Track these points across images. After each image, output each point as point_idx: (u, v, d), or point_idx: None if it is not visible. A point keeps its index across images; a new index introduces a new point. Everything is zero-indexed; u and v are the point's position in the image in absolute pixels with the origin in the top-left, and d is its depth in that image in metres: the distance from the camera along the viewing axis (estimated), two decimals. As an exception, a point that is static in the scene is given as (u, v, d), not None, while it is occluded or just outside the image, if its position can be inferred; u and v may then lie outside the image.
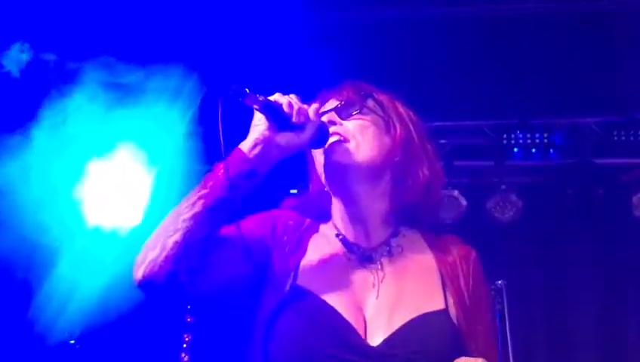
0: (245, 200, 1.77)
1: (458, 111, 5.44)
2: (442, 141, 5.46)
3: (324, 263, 1.80)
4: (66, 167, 4.46)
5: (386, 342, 1.69)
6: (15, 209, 4.08)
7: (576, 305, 5.61)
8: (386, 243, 1.83)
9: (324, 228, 1.88)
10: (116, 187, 4.82)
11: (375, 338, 1.69)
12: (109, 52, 4.28)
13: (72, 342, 4.65)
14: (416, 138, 1.86)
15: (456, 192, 5.41)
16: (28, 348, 4.42)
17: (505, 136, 5.40)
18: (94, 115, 4.33)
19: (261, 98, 1.72)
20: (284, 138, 1.74)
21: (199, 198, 1.70)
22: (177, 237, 1.68)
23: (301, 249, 1.83)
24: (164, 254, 1.67)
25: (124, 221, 4.82)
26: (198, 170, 4.64)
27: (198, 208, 1.69)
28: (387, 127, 1.85)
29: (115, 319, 4.52)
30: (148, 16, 4.69)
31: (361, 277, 1.78)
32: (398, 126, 1.85)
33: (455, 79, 5.12)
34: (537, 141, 5.38)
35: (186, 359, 5.02)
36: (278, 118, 1.74)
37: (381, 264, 1.80)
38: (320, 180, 1.88)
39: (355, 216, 1.83)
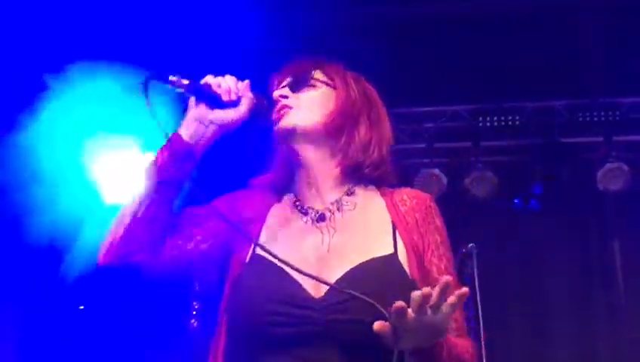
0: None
1: (439, 98, 5.47)
2: (427, 125, 5.58)
3: (281, 229, 1.79)
4: (86, 154, 4.66)
5: (329, 292, 1.64)
6: (47, 190, 4.24)
7: (549, 274, 5.63)
8: (338, 201, 1.81)
9: (286, 198, 1.88)
10: (128, 171, 4.89)
11: (321, 290, 1.65)
12: (119, 55, 4.48)
13: (81, 307, 4.74)
14: (358, 102, 1.86)
15: (437, 170, 5.45)
16: (57, 303, 4.60)
17: (480, 119, 5.44)
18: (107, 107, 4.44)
19: (186, 81, 1.74)
20: (219, 115, 1.76)
21: (146, 181, 1.74)
22: (127, 219, 1.72)
23: (260, 219, 1.83)
24: (116, 237, 1.72)
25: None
26: None
27: (144, 190, 1.73)
28: (335, 95, 1.86)
29: (130, 284, 4.69)
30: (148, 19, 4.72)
31: (314, 236, 1.76)
32: (341, 93, 1.85)
33: (437, 69, 5.14)
34: (510, 123, 5.40)
35: (195, 324, 5.17)
36: (208, 98, 1.76)
37: (333, 221, 1.77)
38: (283, 155, 1.90)
39: (308, 180, 1.83)
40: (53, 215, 4.38)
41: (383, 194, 1.86)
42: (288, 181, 1.90)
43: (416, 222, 1.78)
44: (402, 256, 1.72)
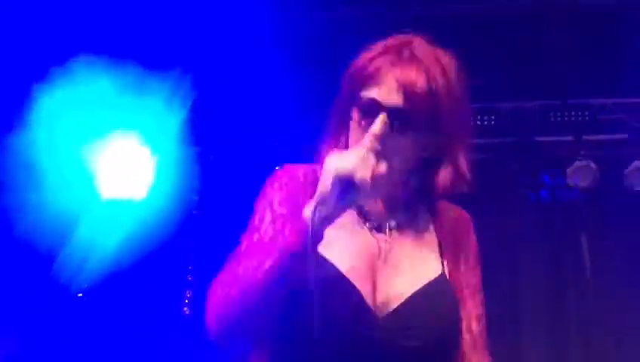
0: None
1: None
2: None
3: (341, 230, 1.59)
4: (84, 149, 4.75)
5: (393, 313, 1.55)
6: (45, 185, 4.36)
7: (521, 263, 5.69)
8: (394, 212, 1.66)
9: None
10: (125, 167, 5.01)
11: (383, 311, 1.55)
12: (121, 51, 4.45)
13: (80, 294, 4.74)
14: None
15: None
16: (53, 296, 4.61)
17: None
18: (108, 104, 4.57)
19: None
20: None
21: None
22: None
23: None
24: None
25: (131, 194, 5.01)
26: (189, 151, 4.98)
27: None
28: None
29: (125, 275, 4.67)
30: (150, 19, 4.72)
31: (372, 245, 1.62)
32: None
33: None
34: (486, 123, 5.45)
35: (187, 312, 5.25)
36: None
37: (390, 233, 1.64)
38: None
39: None
40: (50, 210, 4.49)
41: (429, 209, 1.73)
42: None
43: (457, 241, 1.70)
44: (448, 275, 1.64)
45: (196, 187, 5.15)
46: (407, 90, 1.54)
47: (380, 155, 1.50)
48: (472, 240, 1.75)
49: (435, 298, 1.59)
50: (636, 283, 5.52)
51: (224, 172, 5.39)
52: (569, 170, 5.40)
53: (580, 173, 5.39)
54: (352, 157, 1.46)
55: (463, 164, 1.66)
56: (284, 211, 1.62)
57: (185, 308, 5.14)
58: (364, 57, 1.63)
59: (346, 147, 1.61)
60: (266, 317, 1.52)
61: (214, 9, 4.72)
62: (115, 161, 4.96)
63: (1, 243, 4.78)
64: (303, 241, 1.41)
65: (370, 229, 1.65)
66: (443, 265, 1.65)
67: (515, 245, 5.75)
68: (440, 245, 1.67)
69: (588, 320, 5.54)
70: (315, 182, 1.53)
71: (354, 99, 1.60)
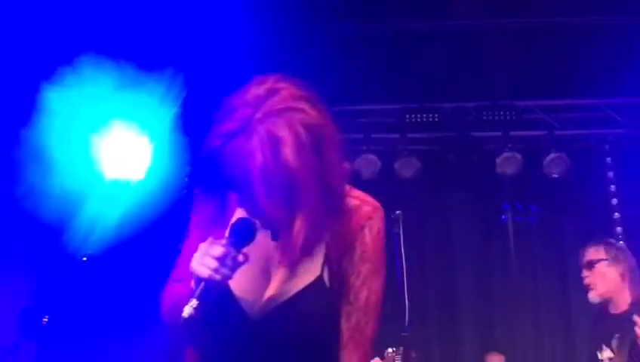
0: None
1: (374, 98, 5.66)
2: (365, 119, 5.72)
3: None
4: (90, 137, 4.83)
5: (269, 317, 1.48)
6: (56, 168, 4.41)
7: (457, 244, 5.84)
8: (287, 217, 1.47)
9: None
10: (125, 152, 5.05)
11: (260, 315, 1.49)
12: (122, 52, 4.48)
13: (84, 259, 4.70)
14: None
15: (372, 156, 5.62)
16: (64, 262, 4.67)
17: (407, 115, 5.63)
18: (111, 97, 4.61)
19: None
20: None
21: None
22: None
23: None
24: None
25: (131, 176, 5.05)
26: (182, 140, 5.03)
27: None
28: None
29: (126, 244, 4.66)
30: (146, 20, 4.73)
31: (268, 254, 1.52)
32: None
33: (374, 76, 5.33)
34: (430, 119, 5.60)
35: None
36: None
37: (280, 238, 1.50)
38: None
39: None
40: (61, 188, 4.50)
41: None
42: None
43: (344, 236, 1.52)
44: (326, 277, 1.51)
45: (186, 170, 5.16)
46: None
47: None
48: (365, 237, 1.53)
49: (306, 301, 1.48)
50: (551, 253, 5.72)
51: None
52: (498, 160, 5.59)
53: (507, 163, 5.57)
54: (208, 262, 1.39)
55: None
56: (202, 235, 1.50)
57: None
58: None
59: None
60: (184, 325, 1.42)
61: (204, 14, 4.71)
62: (116, 146, 5.00)
63: (18, 218, 4.78)
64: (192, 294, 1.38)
65: (269, 238, 1.52)
66: (324, 267, 1.51)
67: (451, 221, 5.90)
68: (328, 244, 1.52)
69: (511, 291, 5.68)
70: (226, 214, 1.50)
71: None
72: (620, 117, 5.70)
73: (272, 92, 1.41)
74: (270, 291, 1.50)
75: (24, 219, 4.73)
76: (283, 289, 1.49)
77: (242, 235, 1.44)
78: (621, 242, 3.57)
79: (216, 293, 1.42)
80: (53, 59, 4.63)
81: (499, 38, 5.29)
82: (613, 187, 5.70)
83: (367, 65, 5.26)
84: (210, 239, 1.44)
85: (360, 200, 1.56)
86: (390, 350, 3.38)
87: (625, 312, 3.18)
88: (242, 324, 1.48)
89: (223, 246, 1.41)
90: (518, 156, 5.58)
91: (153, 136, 4.95)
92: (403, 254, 3.29)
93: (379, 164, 5.63)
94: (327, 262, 1.52)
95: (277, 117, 1.38)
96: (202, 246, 1.42)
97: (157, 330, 1.91)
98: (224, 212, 1.56)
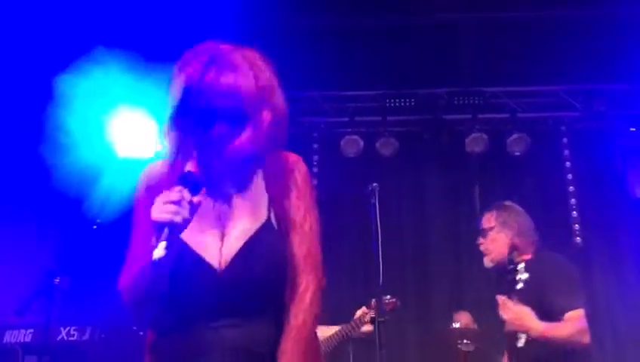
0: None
1: (358, 85, 5.67)
2: (350, 104, 5.75)
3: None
4: (106, 121, 4.87)
5: (231, 264, 1.50)
6: (76, 147, 4.47)
7: (431, 213, 5.87)
8: (229, 177, 1.56)
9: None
10: (136, 133, 5.09)
11: (224, 266, 1.50)
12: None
13: (94, 226, 4.64)
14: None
15: (356, 137, 5.66)
16: (82, 229, 4.56)
17: (387, 100, 5.64)
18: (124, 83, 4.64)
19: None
20: None
21: None
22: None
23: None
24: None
25: (141, 154, 5.11)
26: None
27: None
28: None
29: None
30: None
31: (215, 213, 1.55)
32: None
33: (357, 66, 5.36)
34: (407, 103, 5.63)
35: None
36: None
37: (228, 196, 1.57)
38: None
39: None
40: (80, 165, 4.58)
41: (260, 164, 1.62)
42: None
43: (287, 187, 1.59)
44: (274, 221, 1.56)
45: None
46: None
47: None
48: (295, 179, 1.61)
49: (261, 242, 1.52)
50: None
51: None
52: (467, 140, 5.63)
53: (475, 142, 5.61)
54: (168, 208, 1.38)
55: (265, 122, 1.52)
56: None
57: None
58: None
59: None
60: (152, 294, 1.47)
61: (206, 9, 4.70)
62: (129, 128, 5.03)
63: (42, 191, 4.83)
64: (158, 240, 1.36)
65: (213, 198, 1.54)
66: (269, 210, 1.56)
67: (426, 193, 5.93)
68: (269, 192, 1.58)
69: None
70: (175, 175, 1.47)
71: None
72: (575, 101, 5.73)
73: (236, 46, 1.56)
74: (227, 243, 1.52)
75: (48, 191, 4.74)
76: (237, 237, 1.52)
77: (193, 183, 1.44)
78: (511, 203, 3.28)
79: (180, 254, 1.44)
80: (71, 50, 4.62)
81: (469, 31, 5.32)
82: (568, 164, 5.73)
83: (353, 56, 5.30)
84: (164, 191, 1.43)
85: (284, 153, 1.65)
86: (374, 300, 3.41)
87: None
88: (210, 276, 1.49)
89: (178, 191, 1.42)
90: (485, 136, 5.62)
91: (160, 120, 4.94)
92: (378, 222, 3.28)
93: (361, 143, 5.66)
94: (271, 204, 1.58)
95: (245, 51, 1.54)
96: (158, 198, 1.42)
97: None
98: (172, 177, 1.52)
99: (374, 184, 3.37)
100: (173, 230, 1.39)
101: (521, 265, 2.82)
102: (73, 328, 3.72)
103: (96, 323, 3.72)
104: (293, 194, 1.60)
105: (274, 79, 1.57)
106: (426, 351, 5.01)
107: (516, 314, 2.81)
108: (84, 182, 4.69)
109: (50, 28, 4.76)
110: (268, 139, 1.53)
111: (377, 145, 5.69)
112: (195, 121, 1.49)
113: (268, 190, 1.59)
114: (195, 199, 1.44)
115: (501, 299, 2.85)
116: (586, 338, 2.84)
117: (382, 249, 3.18)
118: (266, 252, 1.52)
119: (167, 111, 1.52)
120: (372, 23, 5.29)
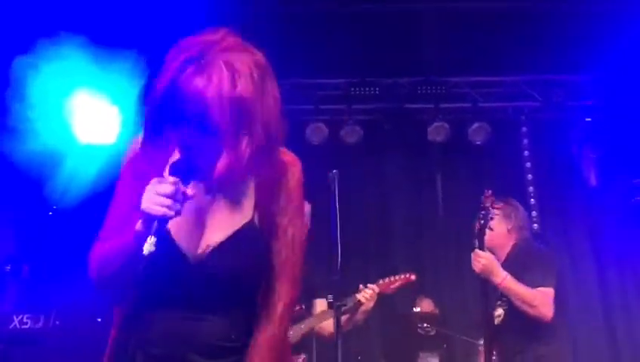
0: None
1: (324, 73, 5.68)
2: (316, 92, 5.72)
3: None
4: (68, 107, 4.77)
5: (206, 258, 1.46)
6: (39, 132, 4.40)
7: (393, 199, 5.93)
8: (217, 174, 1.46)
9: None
10: (98, 119, 5.01)
11: (198, 258, 1.46)
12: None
13: (50, 213, 4.65)
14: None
15: (321, 125, 5.65)
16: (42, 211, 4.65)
17: (352, 89, 5.67)
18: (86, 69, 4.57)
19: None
20: None
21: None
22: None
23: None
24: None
25: (103, 140, 5.05)
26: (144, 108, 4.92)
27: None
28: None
29: (98, 198, 4.51)
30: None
31: (200, 205, 1.49)
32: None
33: (324, 54, 5.35)
34: (371, 92, 5.65)
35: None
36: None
37: (214, 192, 1.51)
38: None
39: None
40: (43, 150, 4.49)
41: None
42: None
43: (270, 183, 1.54)
44: (257, 221, 1.51)
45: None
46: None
47: None
48: (287, 182, 1.56)
49: (240, 242, 1.48)
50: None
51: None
52: (429, 129, 5.67)
53: (437, 131, 5.66)
54: (161, 200, 1.33)
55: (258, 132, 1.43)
56: (140, 190, 1.40)
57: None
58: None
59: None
60: (126, 275, 1.43)
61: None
62: (91, 115, 4.95)
63: (5, 175, 4.76)
64: (139, 239, 1.33)
65: (204, 191, 1.50)
66: (255, 210, 1.52)
67: (389, 180, 5.97)
68: (257, 191, 1.54)
69: (439, 239, 5.82)
70: (165, 149, 1.44)
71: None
72: (534, 92, 5.81)
73: (226, 35, 1.43)
74: (206, 236, 1.48)
75: (9, 176, 4.69)
76: (218, 233, 1.48)
77: (185, 173, 1.39)
78: (515, 201, 3.57)
79: (157, 239, 1.34)
80: (31, 33, 4.49)
81: (432, 21, 5.34)
82: (527, 153, 5.83)
83: (318, 44, 5.28)
84: (155, 179, 1.37)
85: (281, 151, 1.57)
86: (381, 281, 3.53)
87: (503, 263, 3.25)
88: (182, 266, 1.45)
89: (172, 183, 1.35)
90: (447, 125, 5.66)
91: (123, 106, 4.90)
92: (337, 208, 3.24)
93: (326, 131, 5.68)
94: (257, 206, 1.52)
95: (233, 52, 1.39)
96: (150, 187, 1.35)
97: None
98: (161, 161, 1.50)
99: (334, 171, 3.33)
100: (162, 222, 1.34)
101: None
102: (26, 316, 3.65)
103: (51, 310, 3.65)
104: (282, 199, 1.54)
105: (264, 89, 1.42)
106: (387, 335, 5.07)
107: (487, 259, 3.08)
108: (44, 167, 4.60)
109: (9, 9, 4.65)
110: (249, 167, 1.43)
111: (342, 133, 5.71)
112: (171, 120, 1.41)
113: (256, 189, 1.54)
114: (189, 191, 1.38)
115: (474, 253, 3.11)
116: (549, 312, 3.06)
117: (345, 235, 3.15)
118: (246, 250, 1.48)
119: (150, 100, 1.43)
120: (337, 11, 5.28)
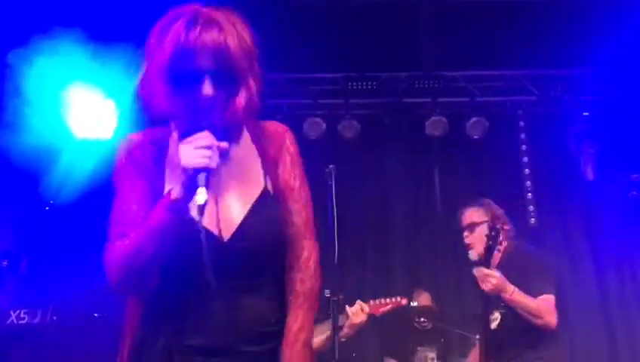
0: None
1: (322, 68, 5.67)
2: (313, 87, 5.73)
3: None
4: (65, 101, 4.74)
5: (234, 236, 1.45)
6: (35, 127, 4.37)
7: (391, 193, 5.92)
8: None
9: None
10: (95, 114, 4.97)
11: (226, 236, 1.45)
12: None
13: (47, 208, 4.61)
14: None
15: (319, 119, 5.64)
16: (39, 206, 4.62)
17: (350, 83, 5.66)
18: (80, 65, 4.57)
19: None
20: None
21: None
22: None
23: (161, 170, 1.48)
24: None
25: (100, 135, 5.02)
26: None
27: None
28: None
29: (95, 192, 4.39)
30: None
31: (214, 178, 1.42)
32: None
33: (322, 50, 5.31)
34: (369, 87, 5.65)
35: None
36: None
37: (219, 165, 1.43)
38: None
39: None
40: (38, 145, 4.43)
41: (247, 128, 1.59)
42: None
43: (282, 160, 1.57)
44: (271, 191, 1.53)
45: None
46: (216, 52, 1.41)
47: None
48: (288, 148, 1.59)
49: (262, 213, 1.49)
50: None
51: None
52: (427, 123, 5.67)
53: (435, 125, 5.66)
54: (202, 152, 1.35)
55: (253, 87, 1.49)
56: (145, 183, 1.46)
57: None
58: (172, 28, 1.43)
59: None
60: (153, 267, 1.42)
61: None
62: (87, 109, 4.93)
63: (1, 171, 4.74)
64: (171, 217, 1.35)
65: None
66: (266, 178, 1.54)
67: (387, 174, 5.96)
68: (262, 160, 1.56)
69: (437, 234, 5.78)
70: (162, 143, 1.46)
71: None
72: (532, 86, 5.81)
73: (207, 4, 1.49)
74: (224, 212, 1.47)
75: (5, 171, 4.67)
76: (236, 207, 1.48)
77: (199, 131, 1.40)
78: (488, 199, 3.51)
79: (182, 225, 1.36)
80: (26, 27, 4.47)
81: (430, 15, 5.31)
82: (524, 147, 5.82)
83: (316, 38, 5.24)
84: (188, 139, 1.38)
85: (270, 122, 1.64)
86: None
87: (496, 267, 3.22)
88: (213, 246, 1.41)
89: (207, 136, 1.38)
90: (444, 120, 5.66)
91: (119, 101, 4.87)
92: (334, 203, 3.31)
93: (324, 125, 5.67)
94: (267, 173, 1.54)
95: (223, 10, 1.47)
96: (184, 145, 1.37)
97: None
98: (163, 157, 1.50)
99: (331, 166, 3.38)
100: (207, 174, 1.36)
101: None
102: (23, 311, 3.64)
103: (48, 305, 3.63)
104: (288, 162, 1.58)
105: (255, 45, 1.50)
106: (384, 329, 5.08)
107: (497, 279, 3.01)
108: (40, 162, 4.55)
109: (3, 4, 4.60)
110: (258, 106, 1.50)
111: (339, 127, 5.70)
112: (182, 84, 1.42)
113: (261, 156, 1.56)
114: (223, 144, 1.42)
115: (479, 271, 3.05)
116: (553, 320, 3.06)
117: (343, 230, 3.19)
118: (269, 220, 1.50)
119: (149, 76, 1.46)
120: (335, 5, 5.25)
